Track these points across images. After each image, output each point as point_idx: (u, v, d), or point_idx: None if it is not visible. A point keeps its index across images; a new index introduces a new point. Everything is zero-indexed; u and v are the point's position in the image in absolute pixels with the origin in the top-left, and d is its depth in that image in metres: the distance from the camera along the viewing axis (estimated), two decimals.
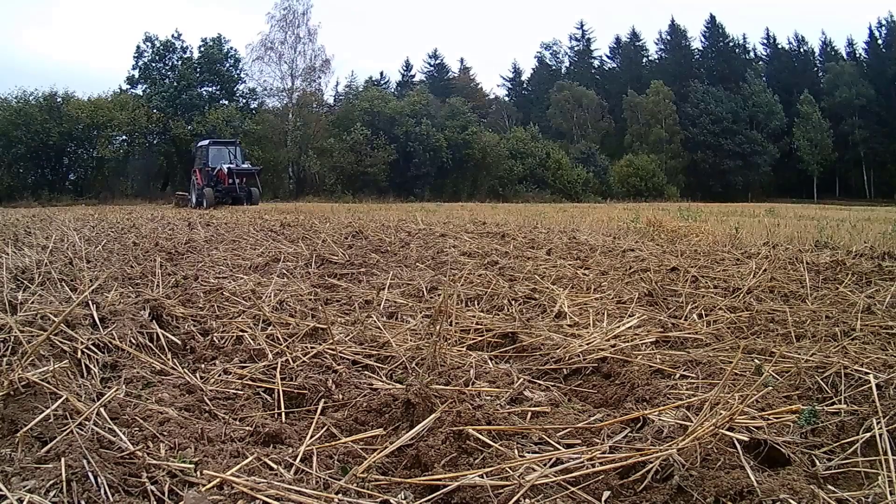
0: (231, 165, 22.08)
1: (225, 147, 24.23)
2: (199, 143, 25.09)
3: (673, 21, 55.66)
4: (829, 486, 1.31)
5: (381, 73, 52.63)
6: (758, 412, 1.61)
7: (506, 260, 4.64)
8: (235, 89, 39.78)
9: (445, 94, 42.24)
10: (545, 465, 1.38)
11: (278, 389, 1.91)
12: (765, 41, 55.30)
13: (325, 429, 1.65)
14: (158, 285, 3.38)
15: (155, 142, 37.78)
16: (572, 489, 1.32)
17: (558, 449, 1.50)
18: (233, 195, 21.81)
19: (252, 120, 37.34)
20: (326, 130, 38.84)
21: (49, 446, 1.33)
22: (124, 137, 35.92)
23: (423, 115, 36.90)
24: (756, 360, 2.09)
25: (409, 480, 1.36)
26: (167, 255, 5.02)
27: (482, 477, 1.32)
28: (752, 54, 54.82)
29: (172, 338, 2.43)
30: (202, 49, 38.52)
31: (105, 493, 1.21)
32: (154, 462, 1.33)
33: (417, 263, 4.68)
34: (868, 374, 1.80)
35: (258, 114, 39.30)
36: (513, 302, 3.12)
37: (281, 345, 2.34)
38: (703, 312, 2.91)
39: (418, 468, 1.43)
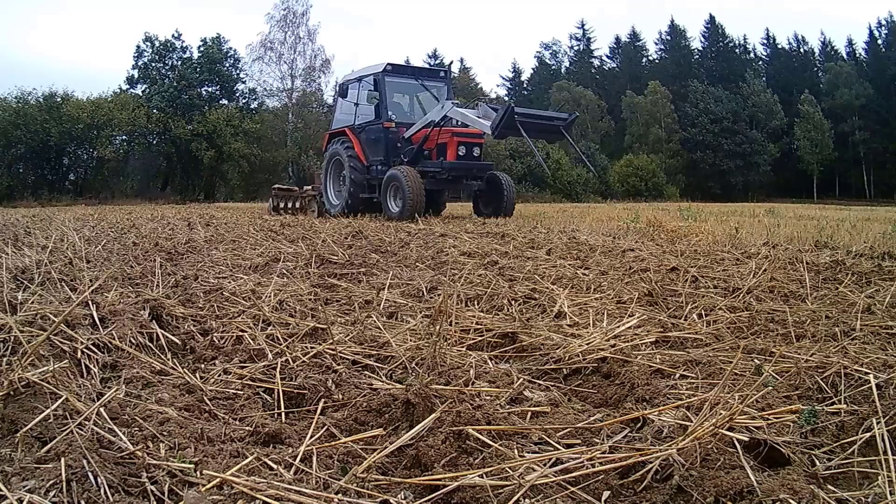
0: (467, 115, 9.83)
1: (414, 79, 11.44)
2: (357, 74, 11.77)
3: (673, 21, 55.71)
4: (829, 486, 1.31)
5: None
6: (758, 412, 1.61)
7: (506, 260, 4.64)
8: (235, 89, 39.85)
9: None
10: (545, 465, 1.38)
11: (278, 389, 1.91)
12: (765, 41, 55.38)
13: (324, 429, 1.65)
14: (158, 285, 3.38)
15: (155, 142, 37.83)
16: (572, 489, 1.33)
17: (558, 449, 1.50)
18: (468, 181, 10.62)
19: (252, 120, 37.35)
20: (326, 130, 38.85)
21: (49, 446, 1.33)
22: (124, 137, 35.99)
23: None
24: (756, 360, 2.09)
25: (408, 480, 1.36)
26: (167, 255, 5.02)
27: (482, 477, 1.32)
28: (751, 54, 54.88)
29: (172, 338, 2.43)
30: (202, 49, 38.58)
31: (105, 493, 1.21)
32: (154, 462, 1.33)
33: (417, 263, 4.68)
34: (868, 374, 1.80)
35: (258, 114, 39.33)
36: (513, 302, 3.12)
37: (281, 345, 2.34)
38: (703, 312, 2.91)
39: (418, 468, 1.43)
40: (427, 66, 13.58)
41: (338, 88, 12.80)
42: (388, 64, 11.23)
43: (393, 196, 10.38)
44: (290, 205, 13.89)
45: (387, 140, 11.04)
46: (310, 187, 14.02)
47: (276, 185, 15.77)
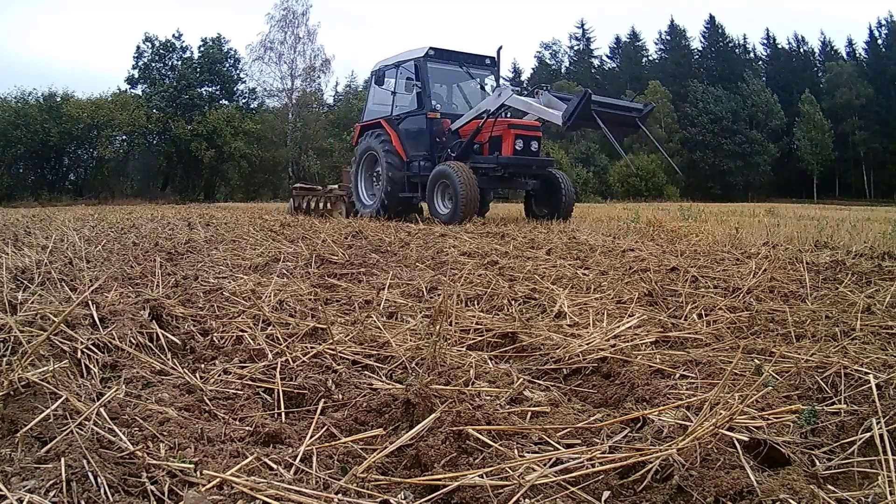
0: (531, 103, 8.93)
1: (458, 66, 10.43)
2: (395, 59, 10.68)
3: (672, 21, 55.78)
4: (829, 486, 1.31)
5: None
6: (758, 412, 1.61)
7: (506, 260, 4.64)
8: (235, 89, 39.86)
9: None
10: (545, 465, 1.38)
11: (278, 389, 1.91)
12: (765, 41, 55.44)
13: (324, 429, 1.65)
14: (158, 285, 3.38)
15: (155, 142, 37.87)
16: (572, 489, 1.32)
17: (558, 449, 1.50)
18: (524, 179, 9.66)
19: (252, 120, 37.38)
20: (326, 130, 38.89)
21: (49, 446, 1.33)
22: (124, 137, 36.03)
23: None
24: (756, 360, 2.09)
25: (408, 480, 1.36)
26: (167, 255, 5.02)
27: (482, 477, 1.32)
28: (751, 54, 54.93)
29: (172, 338, 2.43)
30: (202, 49, 38.61)
31: (105, 493, 1.21)
32: (154, 462, 1.33)
33: (417, 263, 4.68)
34: (868, 374, 1.80)
35: (258, 114, 39.35)
36: (513, 302, 3.12)
37: (281, 345, 2.34)
38: (703, 312, 2.91)
39: (418, 468, 1.43)
40: (470, 53, 11.13)
41: (373, 75, 11.38)
42: (431, 48, 10.16)
43: (441, 196, 9.28)
44: (312, 205, 12.53)
45: (431, 132, 9.88)
46: (336, 186, 12.86)
47: (297, 184, 14.00)
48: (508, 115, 9.53)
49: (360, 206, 11.09)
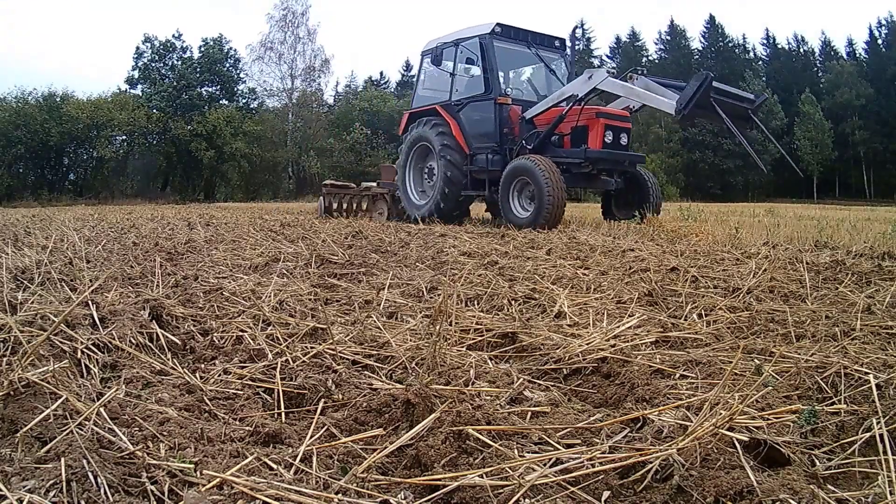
0: (633, 88, 7.64)
1: (526, 47, 9.37)
2: (454, 37, 9.58)
3: (672, 21, 55.83)
4: (829, 486, 1.31)
5: (381, 73, 52.87)
6: (758, 412, 1.62)
7: (506, 260, 4.64)
8: (235, 89, 39.86)
9: None
10: (545, 465, 1.38)
11: (278, 389, 1.91)
12: (765, 41, 55.46)
13: (324, 429, 1.65)
14: (158, 285, 3.38)
15: (155, 142, 37.88)
16: (572, 489, 1.32)
17: (558, 449, 1.50)
18: (611, 177, 8.59)
19: (252, 120, 37.40)
20: (326, 130, 38.92)
21: (49, 446, 1.33)
22: (124, 137, 36.07)
23: None
24: (756, 360, 2.09)
25: (408, 480, 1.36)
26: (167, 255, 5.02)
27: (482, 477, 1.32)
28: (751, 54, 54.95)
29: (172, 338, 2.43)
30: (202, 49, 38.63)
31: (105, 493, 1.21)
32: (154, 462, 1.33)
33: (417, 263, 4.68)
34: (868, 374, 1.80)
35: (258, 114, 39.36)
36: (513, 302, 3.12)
37: (281, 345, 2.34)
38: (703, 312, 2.91)
39: (418, 468, 1.43)
40: (538, 32, 9.38)
41: (424, 56, 10.03)
42: (497, 24, 8.95)
43: (518, 196, 8.07)
44: (346, 205, 11.21)
45: (500, 121, 8.68)
46: (374, 183, 11.38)
47: (328, 181, 12.21)
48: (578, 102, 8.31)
49: (408, 205, 9.81)
